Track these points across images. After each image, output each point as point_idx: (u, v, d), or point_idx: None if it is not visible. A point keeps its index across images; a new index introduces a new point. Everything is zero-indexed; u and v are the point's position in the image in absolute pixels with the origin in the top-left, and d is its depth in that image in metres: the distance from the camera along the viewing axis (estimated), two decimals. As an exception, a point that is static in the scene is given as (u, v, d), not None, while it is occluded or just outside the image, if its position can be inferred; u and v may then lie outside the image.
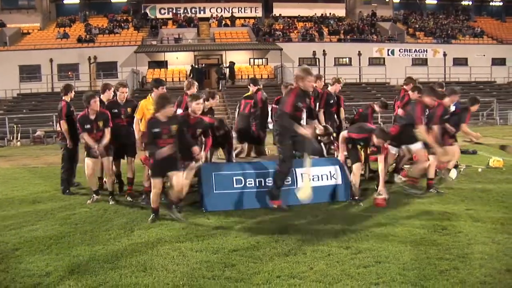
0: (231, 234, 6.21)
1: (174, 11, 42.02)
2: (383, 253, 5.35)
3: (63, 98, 9.69)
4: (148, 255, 5.46)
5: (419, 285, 4.47)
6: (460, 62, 38.96)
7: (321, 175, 8.06)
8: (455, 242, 5.72)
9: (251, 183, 7.69)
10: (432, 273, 4.74)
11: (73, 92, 9.97)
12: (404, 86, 10.31)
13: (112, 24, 40.00)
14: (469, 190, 8.90)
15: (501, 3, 51.04)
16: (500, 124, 30.51)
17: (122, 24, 40.33)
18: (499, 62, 39.45)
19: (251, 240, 5.94)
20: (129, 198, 8.55)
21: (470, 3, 49.98)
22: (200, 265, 5.10)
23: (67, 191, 9.43)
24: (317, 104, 9.70)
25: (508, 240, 5.75)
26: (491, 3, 52.17)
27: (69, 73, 34.38)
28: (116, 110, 8.80)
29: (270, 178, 7.73)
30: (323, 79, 10.35)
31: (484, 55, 39.35)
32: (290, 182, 7.84)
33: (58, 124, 10.12)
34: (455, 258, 5.14)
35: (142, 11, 42.08)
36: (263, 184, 7.73)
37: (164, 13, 42.07)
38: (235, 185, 7.60)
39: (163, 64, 35.72)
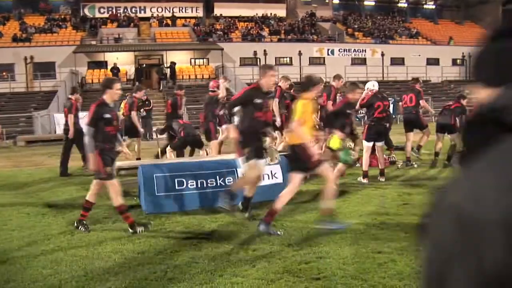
0: (173, 235, 6.22)
1: (113, 10, 41.14)
2: (323, 249, 5.48)
3: (71, 97, 12.12)
4: (89, 259, 5.39)
5: (358, 278, 4.62)
6: (397, 61, 40.12)
7: (263, 175, 8.15)
8: (393, 236, 5.94)
9: (193, 185, 7.72)
10: (371, 266, 4.90)
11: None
12: None
13: (49, 23, 38.76)
14: (406, 185, 9.25)
15: (434, 6, 53.01)
16: (435, 121, 31.63)
17: (60, 23, 39.14)
18: (433, 62, 40.91)
19: (193, 241, 5.98)
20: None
21: (406, 5, 51.59)
22: (142, 267, 5.08)
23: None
24: None
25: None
26: (425, 6, 54.05)
27: (4, 73, 33.06)
28: (109, 116, 6.56)
29: (212, 179, 7.79)
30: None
31: (419, 55, 40.70)
32: (232, 182, 7.90)
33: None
34: (392, 251, 5.32)
35: (81, 10, 41.01)
36: (204, 185, 7.77)
37: (104, 12, 41.12)
38: (177, 187, 7.60)
39: (103, 65, 34.83)
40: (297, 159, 6.29)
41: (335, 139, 8.02)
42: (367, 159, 9.82)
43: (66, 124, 11.90)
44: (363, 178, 9.68)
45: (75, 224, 6.65)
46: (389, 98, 10.61)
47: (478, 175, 0.89)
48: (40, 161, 14.87)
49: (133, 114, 11.74)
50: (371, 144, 9.74)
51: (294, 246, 5.65)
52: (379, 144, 9.74)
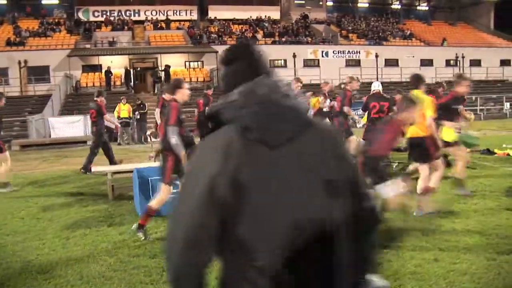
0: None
1: (108, 14, 41.12)
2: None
3: (96, 100, 12.27)
4: (84, 263, 5.37)
5: (355, 279, 4.62)
6: (391, 63, 40.21)
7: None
8: (389, 236, 5.93)
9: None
10: (366, 268, 4.90)
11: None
12: None
13: (43, 27, 38.68)
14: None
15: (427, 7, 53.26)
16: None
17: (54, 27, 39.07)
18: (427, 63, 41.03)
19: (189, 244, 5.92)
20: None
21: (399, 6, 51.76)
22: (138, 270, 5.07)
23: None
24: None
25: (436, 232, 6.07)
26: (418, 7, 54.32)
27: (-3, 77, 32.99)
28: (183, 116, 6.74)
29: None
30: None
31: (413, 57, 40.82)
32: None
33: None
34: (388, 251, 5.36)
35: (75, 14, 40.94)
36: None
37: (98, 16, 41.09)
38: (172, 190, 7.55)
39: (97, 68, 34.79)
40: (422, 149, 6.93)
41: (447, 131, 7.79)
42: None
43: (93, 124, 12.50)
44: None
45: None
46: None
47: (202, 143, 1.75)
48: (35, 165, 14.84)
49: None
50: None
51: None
52: None
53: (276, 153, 1.59)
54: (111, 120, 12.43)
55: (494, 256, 5.10)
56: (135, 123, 22.51)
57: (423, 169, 7.09)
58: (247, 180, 1.56)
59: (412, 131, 6.88)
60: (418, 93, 7.30)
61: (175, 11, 42.61)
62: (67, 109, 28.76)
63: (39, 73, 32.94)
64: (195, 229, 1.59)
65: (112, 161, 12.36)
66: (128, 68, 33.65)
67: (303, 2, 47.90)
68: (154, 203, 6.28)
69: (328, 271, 1.66)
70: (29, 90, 32.67)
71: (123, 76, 33.74)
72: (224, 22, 42.80)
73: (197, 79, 35.05)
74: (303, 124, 1.67)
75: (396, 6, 52.50)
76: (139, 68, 36.57)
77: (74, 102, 30.16)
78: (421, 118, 6.55)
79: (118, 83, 33.53)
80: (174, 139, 6.12)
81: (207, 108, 12.18)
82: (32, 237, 6.57)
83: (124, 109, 21.15)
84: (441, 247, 5.48)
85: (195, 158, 1.72)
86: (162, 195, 6.27)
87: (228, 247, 1.65)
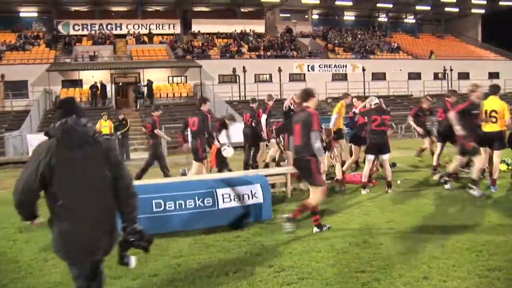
0: (151, 259, 5.89)
1: (88, 27, 40.72)
2: (306, 270, 5.38)
3: (153, 114, 12.77)
4: (63, 286, 5.15)
5: (342, 298, 4.56)
6: (379, 76, 40.31)
7: (242, 195, 7.90)
8: (376, 254, 5.86)
9: (171, 206, 7.44)
10: (354, 286, 4.86)
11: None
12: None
13: (21, 41, 38.01)
14: (389, 202, 9.14)
15: (414, 20, 53.57)
16: (416, 137, 31.45)
17: (33, 41, 38.38)
18: (414, 76, 41.23)
19: (172, 264, 5.79)
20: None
21: (386, 19, 51.94)
22: (119, 293, 4.75)
23: None
24: None
25: (425, 249, 5.97)
26: (405, 20, 54.67)
27: (-27, 93, 32.22)
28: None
29: (190, 200, 7.56)
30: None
31: (400, 70, 40.94)
32: (211, 203, 7.66)
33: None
34: (376, 270, 5.28)
35: (55, 27, 40.34)
36: (183, 207, 7.50)
37: (78, 29, 40.67)
38: (154, 209, 7.32)
39: (77, 83, 34.11)
40: (498, 139, 9.33)
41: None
42: (367, 171, 10.09)
43: (150, 137, 12.91)
44: (363, 189, 10.07)
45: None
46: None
47: (39, 145, 3.61)
48: (11, 184, 14.18)
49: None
50: (372, 157, 10.03)
51: (276, 267, 5.51)
52: (384, 157, 9.90)
53: (73, 153, 3.43)
54: (161, 134, 13.10)
55: (486, 273, 5.03)
56: (117, 140, 21.85)
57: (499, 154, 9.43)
58: (55, 164, 3.36)
59: (491, 127, 9.23)
60: (494, 99, 9.37)
61: (157, 25, 42.33)
62: (47, 125, 28.05)
63: (17, 88, 32.38)
64: (28, 184, 3.38)
65: (166, 174, 12.39)
66: (103, 83, 32.71)
67: (289, 15, 48.04)
68: (311, 201, 6.83)
69: (103, 214, 3.60)
70: (6, 105, 32.03)
71: (106, 91, 33.14)
72: (208, 35, 42.54)
73: (181, 94, 34.70)
74: (87, 139, 3.50)
75: (382, 19, 52.80)
76: (121, 83, 36.00)
77: (54, 118, 29.40)
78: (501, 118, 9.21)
79: (98, 98, 32.91)
80: (318, 144, 6.58)
81: (253, 120, 12.68)
82: (8, 259, 6.37)
83: (105, 126, 20.52)
84: (431, 264, 5.39)
85: (34, 151, 3.50)
86: (317, 193, 6.80)
87: (49, 198, 3.47)
